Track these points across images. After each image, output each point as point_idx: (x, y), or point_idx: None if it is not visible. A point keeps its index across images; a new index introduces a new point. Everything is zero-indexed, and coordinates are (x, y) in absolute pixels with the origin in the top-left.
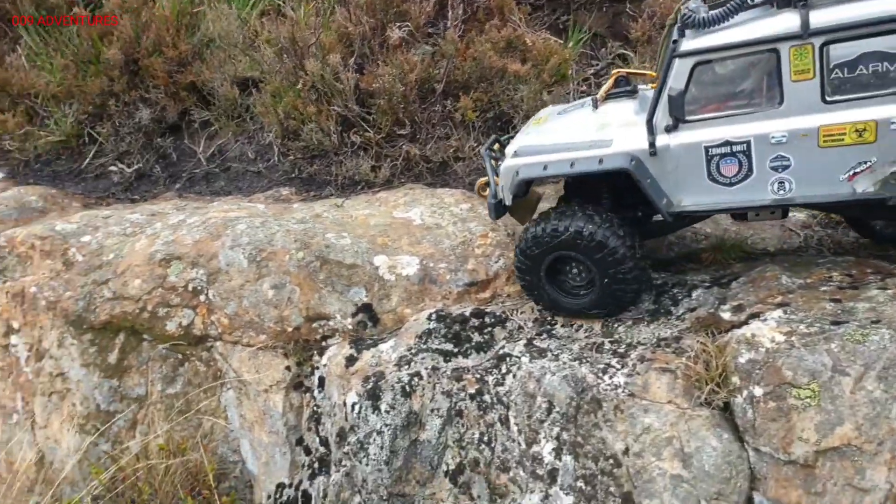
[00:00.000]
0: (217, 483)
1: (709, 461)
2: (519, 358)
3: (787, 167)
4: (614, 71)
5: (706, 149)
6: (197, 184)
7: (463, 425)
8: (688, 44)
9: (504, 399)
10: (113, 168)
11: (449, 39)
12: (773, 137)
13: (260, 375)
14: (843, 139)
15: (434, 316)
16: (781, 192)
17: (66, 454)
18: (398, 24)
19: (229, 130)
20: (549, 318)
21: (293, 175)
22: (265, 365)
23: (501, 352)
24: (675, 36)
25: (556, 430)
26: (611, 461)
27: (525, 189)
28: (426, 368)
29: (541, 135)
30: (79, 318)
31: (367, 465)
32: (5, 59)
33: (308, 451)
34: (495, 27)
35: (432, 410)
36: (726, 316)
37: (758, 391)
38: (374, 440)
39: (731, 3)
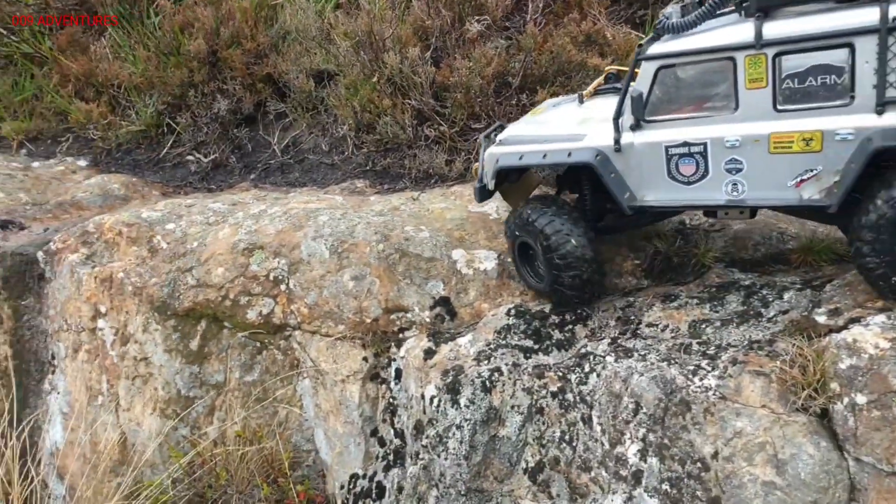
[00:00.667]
0: (290, 471)
1: (805, 469)
2: (603, 357)
3: (740, 170)
4: (606, 68)
5: (666, 148)
6: (272, 174)
7: (544, 423)
8: (653, 48)
9: (587, 398)
10: (190, 157)
11: (529, 33)
12: (727, 141)
13: (337, 365)
14: (791, 147)
15: (513, 311)
16: (735, 193)
17: (148, 437)
18: (476, 17)
19: (303, 122)
20: (631, 318)
21: (367, 167)
22: (343, 355)
23: (584, 350)
24: (644, 40)
25: (643, 431)
26: (698, 465)
27: (506, 176)
28: (506, 364)
29: (529, 125)
30: (163, 305)
31: (445, 459)
32: (91, 50)
33: (382, 443)
34: (574, 21)
35: (513, 407)
36: (822, 320)
37: (860, 399)
38: (454, 434)
39: (700, 10)
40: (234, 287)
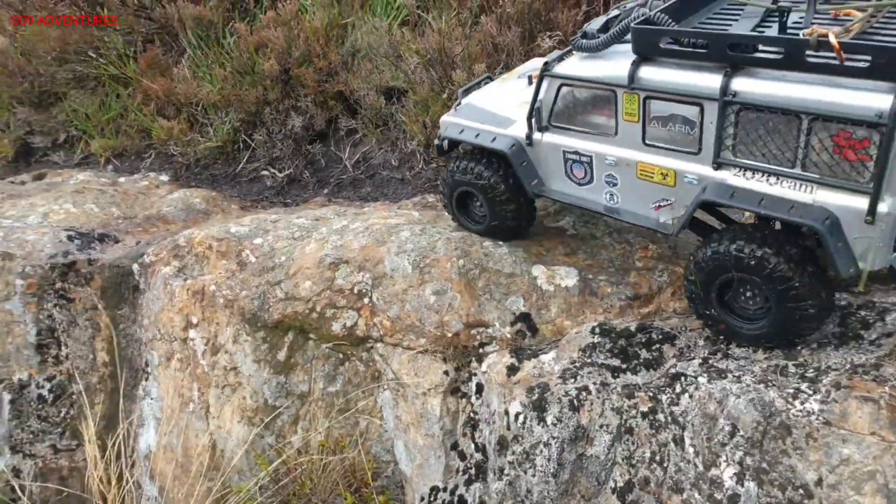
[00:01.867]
0: (371, 482)
1: None
2: (695, 378)
3: (615, 185)
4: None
5: (564, 152)
6: (344, 189)
7: (633, 443)
8: (557, 68)
9: (679, 419)
10: (265, 172)
11: None
12: (607, 159)
13: (419, 378)
14: (653, 177)
15: (597, 329)
16: (612, 202)
17: (236, 444)
18: (548, 32)
19: (373, 138)
20: (720, 338)
21: (436, 182)
22: (424, 368)
23: (673, 370)
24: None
25: (739, 454)
26: (800, 491)
27: (457, 144)
28: (594, 383)
29: (486, 96)
30: (254, 317)
31: (533, 476)
32: (171, 71)
33: (463, 457)
34: None
35: (601, 426)
36: None
37: None
38: (541, 452)
39: (605, 37)
40: (320, 300)
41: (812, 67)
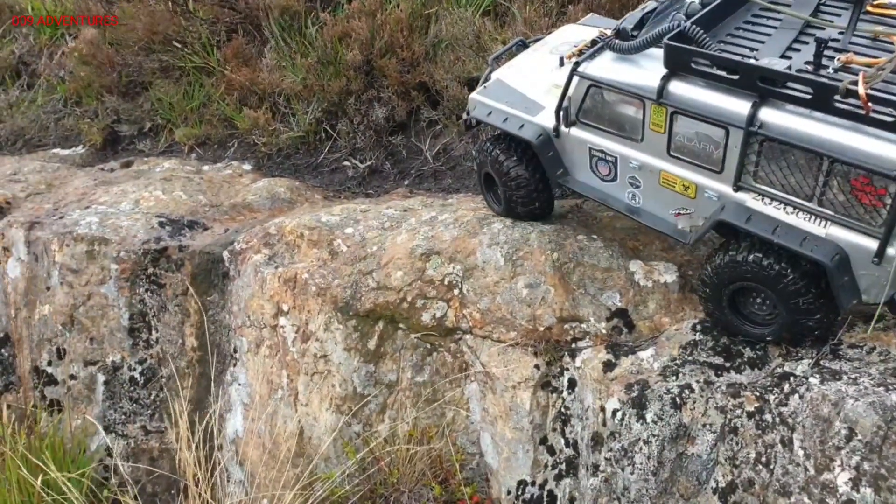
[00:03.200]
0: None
1: None
2: (805, 378)
3: (638, 187)
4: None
5: (590, 148)
6: (425, 181)
7: (737, 443)
8: (585, 68)
9: (788, 420)
10: (347, 163)
11: None
12: (631, 162)
13: (508, 371)
14: (674, 186)
15: (699, 327)
16: (633, 202)
17: (323, 431)
18: None
19: (454, 129)
20: (829, 338)
21: None
22: (514, 361)
23: (780, 370)
24: (585, 54)
25: (856, 459)
26: None
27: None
28: (697, 381)
29: (517, 72)
30: (346, 305)
31: (631, 473)
32: (256, 60)
33: (552, 452)
34: None
35: (704, 425)
36: None
37: None
38: (641, 449)
39: (643, 39)
40: (411, 290)
41: (839, 112)
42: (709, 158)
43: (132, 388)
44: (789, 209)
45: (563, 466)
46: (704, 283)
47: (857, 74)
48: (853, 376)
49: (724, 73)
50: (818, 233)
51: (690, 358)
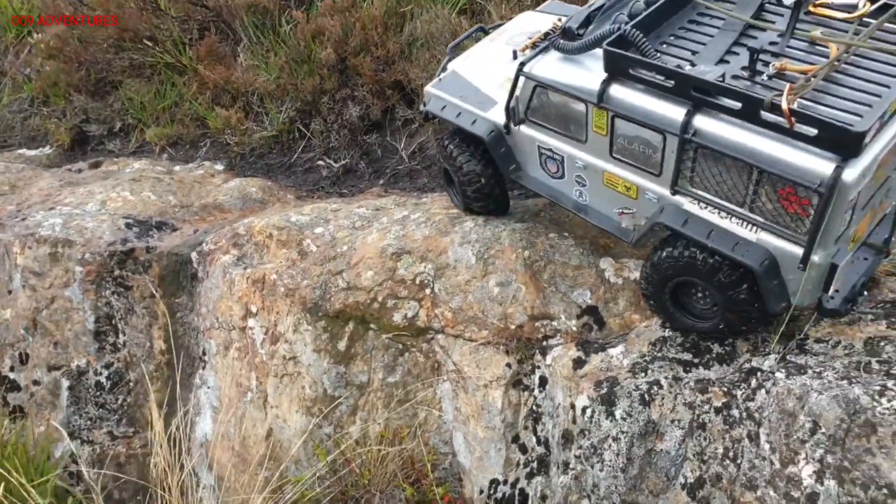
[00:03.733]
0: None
1: None
2: (772, 373)
3: (584, 185)
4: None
5: (538, 146)
6: (401, 180)
7: (706, 438)
8: (531, 69)
9: (755, 415)
10: (321, 163)
11: None
12: (577, 161)
13: (480, 370)
14: (617, 186)
15: (668, 323)
16: (581, 199)
17: (293, 434)
18: None
19: (429, 128)
20: (795, 333)
21: None
22: (486, 360)
23: (748, 365)
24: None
25: (820, 452)
26: (884, 491)
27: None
28: (666, 378)
29: (473, 64)
30: (315, 306)
31: (601, 470)
32: (229, 58)
33: (524, 450)
34: None
35: (673, 421)
36: None
37: None
38: (610, 446)
39: (585, 41)
40: (382, 290)
41: (765, 125)
42: (648, 161)
43: (98, 393)
44: (723, 214)
45: (535, 465)
46: (646, 279)
47: (792, 81)
48: (818, 370)
49: (661, 80)
50: (750, 238)
51: (660, 354)
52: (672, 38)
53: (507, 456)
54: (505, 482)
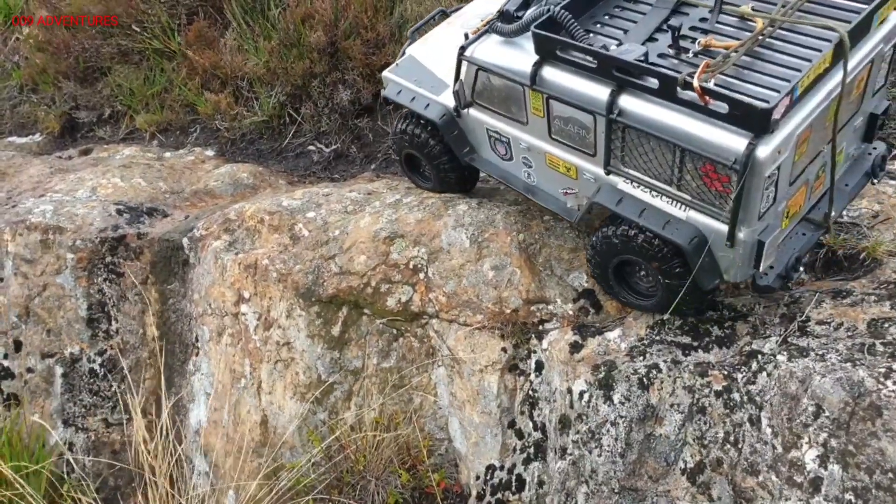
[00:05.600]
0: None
1: None
2: (773, 356)
3: (531, 166)
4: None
5: (486, 129)
6: (392, 164)
7: (706, 423)
8: (472, 52)
9: (756, 398)
10: (312, 147)
11: None
12: (521, 143)
13: (475, 355)
14: (559, 168)
15: None
16: (530, 180)
17: (288, 420)
18: None
19: None
20: (798, 315)
21: None
22: (481, 345)
23: (748, 348)
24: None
25: (823, 435)
26: (889, 475)
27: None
28: (665, 361)
29: (429, 48)
30: (308, 291)
31: (599, 455)
32: (218, 43)
33: (521, 435)
34: None
35: (672, 405)
36: None
37: None
38: (608, 431)
39: (517, 25)
40: (375, 275)
41: (682, 102)
42: (583, 142)
43: (92, 381)
44: (654, 193)
45: (532, 450)
46: (589, 260)
47: (715, 58)
48: (821, 353)
49: (586, 61)
50: (680, 216)
51: (658, 337)
52: (606, 17)
53: (504, 441)
54: (501, 468)
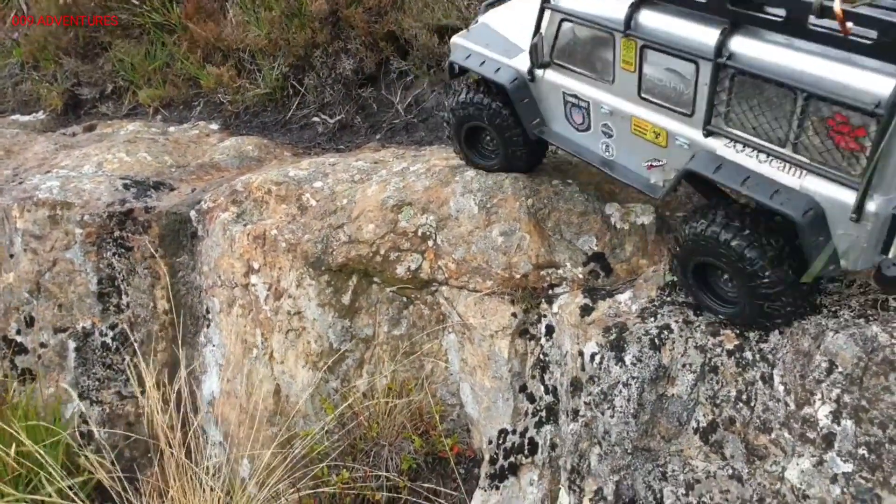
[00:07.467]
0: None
1: None
2: None
3: (611, 136)
4: None
5: (563, 94)
6: (398, 134)
7: (718, 382)
8: (555, 1)
9: (769, 356)
10: (316, 119)
11: None
12: (603, 107)
13: (485, 321)
14: (646, 134)
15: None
16: (607, 153)
17: (301, 389)
18: None
19: (425, 80)
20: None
21: None
22: (491, 311)
23: None
24: None
25: (836, 391)
26: None
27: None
28: (676, 322)
29: (506, 15)
30: (317, 260)
31: (611, 416)
32: (218, 15)
33: (532, 399)
34: None
35: (684, 365)
36: None
37: None
38: (621, 392)
39: None
40: (384, 243)
41: (815, 36)
42: (679, 99)
43: (105, 354)
44: (762, 157)
45: (544, 413)
46: (674, 255)
47: None
48: (833, 309)
49: None
50: (793, 184)
51: (669, 299)
52: None
53: (515, 405)
54: (514, 432)
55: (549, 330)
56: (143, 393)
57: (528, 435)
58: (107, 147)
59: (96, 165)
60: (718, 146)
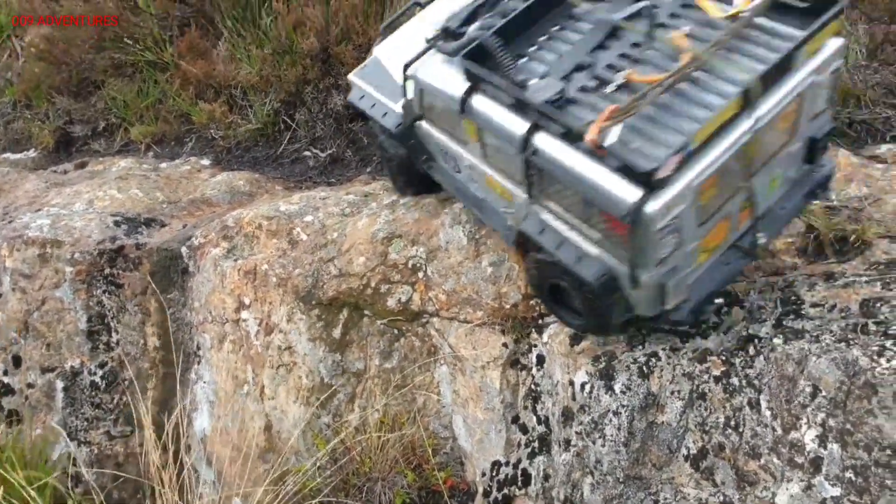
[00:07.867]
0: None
1: None
2: (769, 339)
3: (476, 182)
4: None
5: (436, 143)
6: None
7: (706, 408)
8: (415, 71)
9: (755, 382)
10: (307, 153)
11: None
12: (465, 163)
13: (477, 352)
14: (496, 189)
15: None
16: (479, 195)
17: (292, 424)
18: None
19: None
20: (793, 298)
21: None
22: (482, 341)
23: (745, 333)
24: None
25: (822, 415)
26: (888, 451)
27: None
28: (664, 349)
29: (395, 49)
30: (308, 294)
31: (602, 446)
32: (210, 53)
33: (525, 430)
34: None
35: (672, 392)
36: None
37: None
38: (611, 421)
39: (457, 45)
40: (374, 275)
41: (586, 150)
42: (512, 169)
43: (94, 393)
44: (570, 227)
45: (536, 444)
46: (529, 281)
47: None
48: (815, 334)
49: (506, 96)
50: (594, 252)
51: (656, 326)
52: (544, 39)
53: (508, 437)
54: (507, 463)
55: (540, 360)
56: (132, 432)
57: (521, 466)
58: (98, 184)
59: (87, 203)
60: (542, 212)
